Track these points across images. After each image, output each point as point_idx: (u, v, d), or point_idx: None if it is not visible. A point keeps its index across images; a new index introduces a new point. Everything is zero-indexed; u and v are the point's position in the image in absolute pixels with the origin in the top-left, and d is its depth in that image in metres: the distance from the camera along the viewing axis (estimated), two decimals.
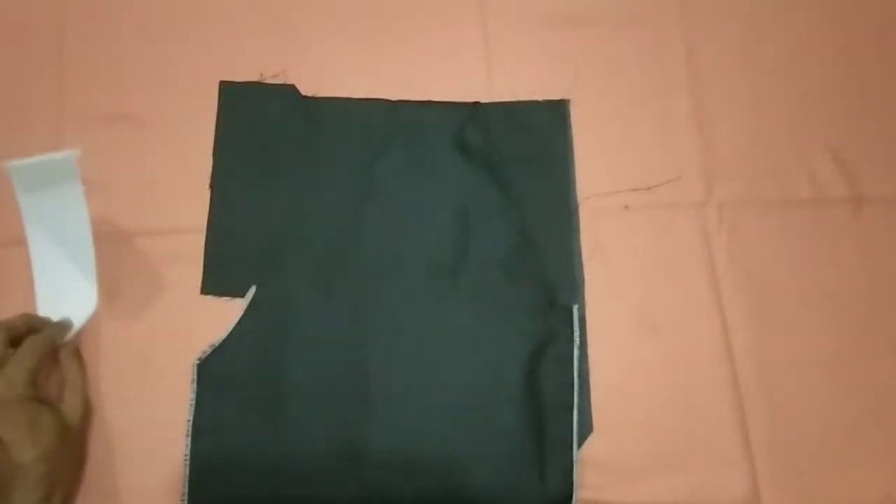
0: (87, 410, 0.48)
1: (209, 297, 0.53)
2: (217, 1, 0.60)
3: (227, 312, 0.52)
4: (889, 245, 0.56)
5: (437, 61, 0.59)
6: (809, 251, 0.55)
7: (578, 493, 0.50)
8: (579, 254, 0.54)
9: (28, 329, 0.49)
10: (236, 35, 0.59)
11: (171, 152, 0.56)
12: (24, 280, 0.53)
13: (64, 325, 0.50)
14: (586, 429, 0.50)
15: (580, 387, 0.51)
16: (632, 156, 0.57)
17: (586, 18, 0.60)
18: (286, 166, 0.55)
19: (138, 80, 0.58)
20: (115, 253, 0.54)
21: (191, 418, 0.50)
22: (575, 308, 0.52)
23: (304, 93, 0.57)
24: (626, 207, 0.55)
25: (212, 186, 0.55)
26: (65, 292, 0.51)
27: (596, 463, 0.51)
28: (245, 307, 0.52)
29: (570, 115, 0.57)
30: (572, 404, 0.50)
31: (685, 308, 0.54)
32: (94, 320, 0.52)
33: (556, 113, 0.57)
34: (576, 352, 0.51)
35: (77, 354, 0.50)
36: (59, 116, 0.57)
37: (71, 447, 0.47)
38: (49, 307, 0.51)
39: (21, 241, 0.54)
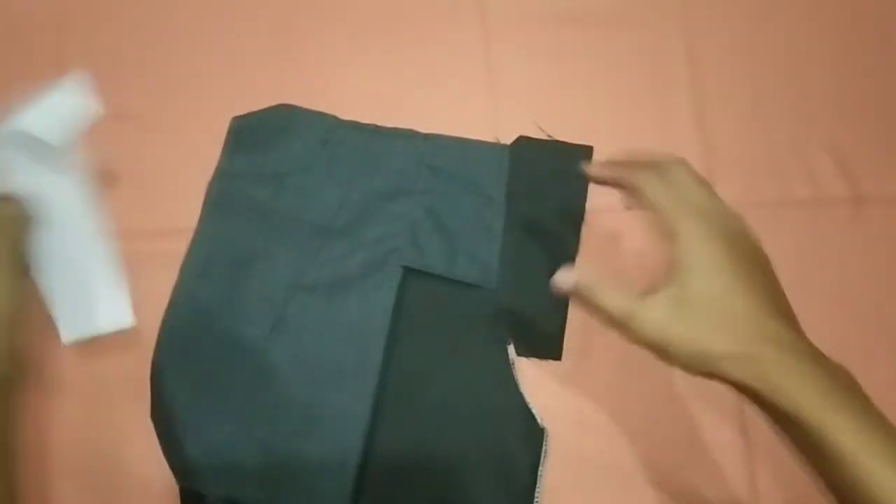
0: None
1: None
2: (216, 2, 0.60)
3: None
4: (889, 245, 0.56)
5: (438, 61, 0.59)
6: (809, 251, 0.55)
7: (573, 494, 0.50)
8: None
9: None
10: (235, 35, 0.59)
11: (171, 152, 0.56)
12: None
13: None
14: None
15: None
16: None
17: (586, 18, 0.60)
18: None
19: (138, 80, 0.58)
20: (115, 252, 0.54)
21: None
22: None
23: (298, 90, 0.57)
24: (629, 208, 0.55)
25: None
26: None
27: (596, 463, 0.51)
28: None
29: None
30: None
31: None
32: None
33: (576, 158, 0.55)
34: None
35: None
36: None
37: None
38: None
39: None
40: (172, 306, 0.52)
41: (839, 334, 0.54)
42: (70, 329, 0.50)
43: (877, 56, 0.60)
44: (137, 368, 0.51)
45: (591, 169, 0.43)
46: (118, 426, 0.51)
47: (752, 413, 0.51)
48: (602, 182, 0.43)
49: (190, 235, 0.54)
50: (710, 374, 0.35)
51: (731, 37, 0.60)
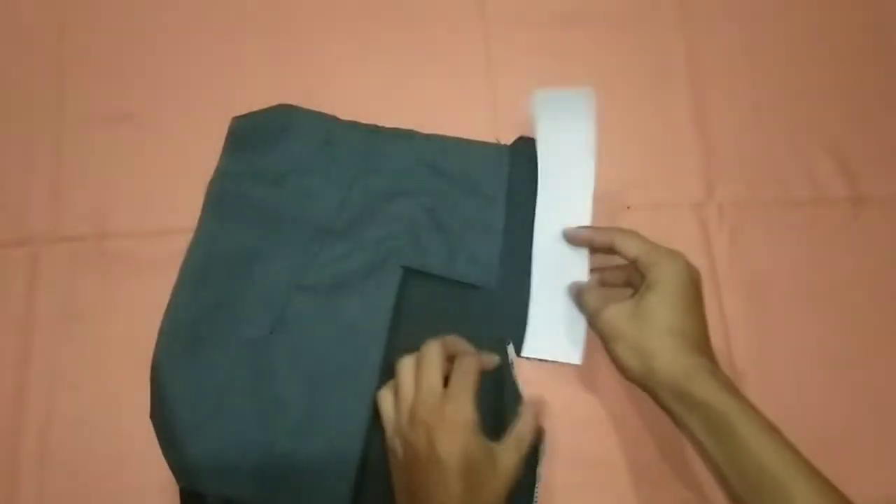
0: (518, 469, 0.44)
1: None
2: (216, 2, 0.60)
3: None
4: (889, 245, 0.56)
5: (438, 61, 0.59)
6: (809, 251, 0.55)
7: (573, 494, 0.50)
8: None
9: (462, 351, 0.48)
10: (235, 35, 0.59)
11: (171, 152, 0.56)
12: (24, 280, 0.53)
13: (495, 357, 0.50)
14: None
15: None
16: (632, 156, 0.57)
17: (586, 18, 0.60)
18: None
19: (138, 80, 0.58)
20: (114, 252, 0.54)
21: None
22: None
23: (298, 91, 0.57)
24: (629, 208, 0.56)
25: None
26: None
27: (596, 462, 0.51)
28: None
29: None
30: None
31: None
32: (96, 318, 0.52)
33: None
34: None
35: (535, 412, 0.47)
36: (59, 116, 0.57)
37: (491, 491, 0.43)
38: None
39: (22, 242, 0.54)
40: (172, 306, 0.52)
41: (839, 334, 0.54)
42: (534, 348, 0.52)
43: (877, 56, 0.60)
44: (138, 368, 0.51)
45: (580, 234, 0.51)
46: (118, 426, 0.51)
47: None
48: (590, 245, 0.51)
49: (190, 235, 0.54)
50: (641, 372, 0.45)
51: (731, 37, 0.60)
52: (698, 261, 0.54)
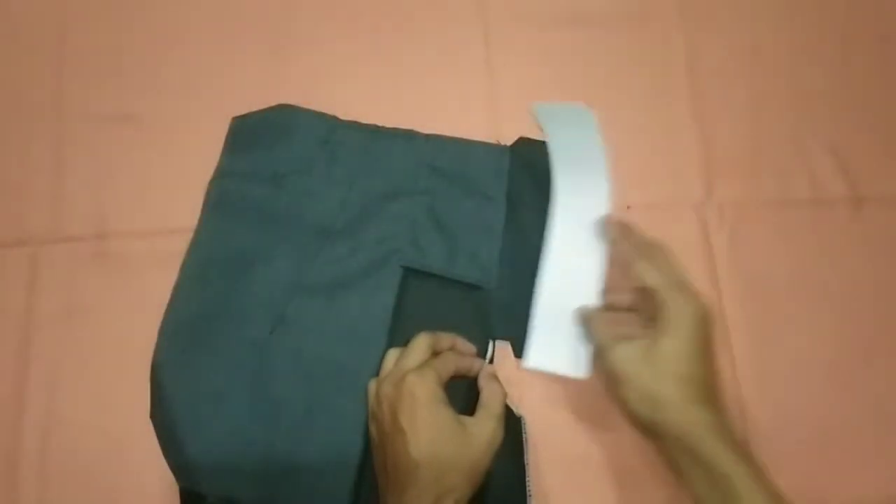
0: (494, 436, 0.45)
1: None
2: (216, 2, 0.60)
3: None
4: (889, 245, 0.56)
5: (438, 61, 0.59)
6: (809, 251, 0.55)
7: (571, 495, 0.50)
8: None
9: (451, 347, 0.49)
10: (235, 35, 0.59)
11: (171, 152, 0.56)
12: (24, 280, 0.53)
13: (480, 360, 0.50)
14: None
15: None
16: (632, 156, 0.57)
17: (586, 18, 0.60)
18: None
19: (138, 80, 0.58)
20: (114, 252, 0.54)
21: None
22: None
23: (298, 91, 0.57)
24: (629, 208, 0.56)
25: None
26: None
27: (595, 463, 0.51)
28: None
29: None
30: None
31: None
32: (96, 318, 0.52)
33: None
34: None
35: (495, 379, 0.49)
36: (59, 116, 0.57)
37: (468, 463, 0.43)
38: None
39: (22, 242, 0.54)
40: (172, 306, 0.52)
41: (838, 334, 0.54)
42: (536, 358, 0.51)
43: (876, 56, 0.60)
44: (138, 368, 0.51)
45: (611, 231, 0.50)
46: (118, 426, 0.51)
47: (752, 413, 0.52)
48: (613, 243, 0.50)
49: (190, 235, 0.54)
50: (648, 420, 0.43)
51: (731, 37, 0.60)
52: (698, 261, 0.55)
